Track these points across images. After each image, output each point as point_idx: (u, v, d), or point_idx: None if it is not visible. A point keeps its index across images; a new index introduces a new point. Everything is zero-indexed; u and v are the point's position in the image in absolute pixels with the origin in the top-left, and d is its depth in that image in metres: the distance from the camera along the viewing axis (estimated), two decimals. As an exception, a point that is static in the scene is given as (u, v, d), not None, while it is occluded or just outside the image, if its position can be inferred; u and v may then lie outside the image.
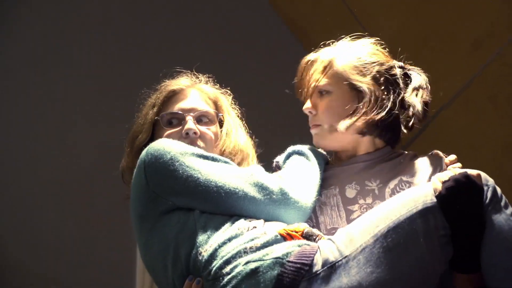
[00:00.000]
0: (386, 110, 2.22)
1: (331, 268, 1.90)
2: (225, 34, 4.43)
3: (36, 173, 4.16)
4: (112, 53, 4.29)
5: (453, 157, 2.21)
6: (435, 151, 2.29)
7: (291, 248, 1.96)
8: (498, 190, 2.02)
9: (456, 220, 1.95)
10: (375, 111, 2.21)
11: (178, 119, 2.31)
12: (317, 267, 1.91)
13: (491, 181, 2.02)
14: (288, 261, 1.92)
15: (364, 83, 2.22)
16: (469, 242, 1.96)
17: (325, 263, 1.91)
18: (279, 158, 2.32)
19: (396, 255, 1.91)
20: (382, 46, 2.34)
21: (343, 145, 2.28)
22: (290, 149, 2.31)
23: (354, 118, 2.21)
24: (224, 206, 2.06)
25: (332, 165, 2.32)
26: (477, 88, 3.86)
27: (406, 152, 2.33)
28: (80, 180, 4.17)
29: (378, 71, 2.25)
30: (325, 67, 2.27)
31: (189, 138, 2.26)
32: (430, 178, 2.17)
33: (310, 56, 2.32)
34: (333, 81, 2.25)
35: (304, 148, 2.30)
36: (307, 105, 2.28)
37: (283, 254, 1.94)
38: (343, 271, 1.90)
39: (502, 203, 2.00)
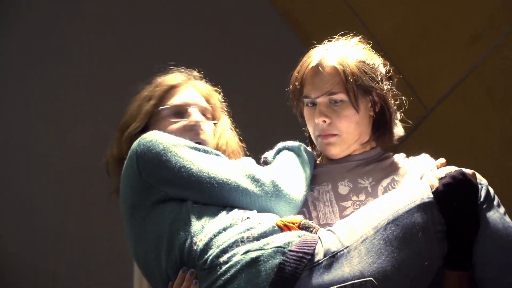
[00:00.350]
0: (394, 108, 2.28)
1: (333, 257, 1.92)
2: (222, 29, 4.43)
3: (35, 170, 4.17)
4: (112, 52, 4.29)
5: (442, 160, 2.23)
6: (424, 153, 2.31)
7: (292, 238, 1.97)
8: (491, 190, 2.05)
9: (452, 217, 1.97)
10: (391, 112, 2.26)
11: (181, 112, 2.32)
12: (319, 256, 1.93)
13: (484, 181, 2.05)
14: (290, 250, 1.93)
15: (377, 88, 2.24)
16: (463, 239, 1.99)
17: (327, 252, 1.93)
18: (268, 154, 2.33)
19: (396, 247, 1.93)
20: (368, 42, 2.35)
21: (349, 152, 2.29)
22: (280, 145, 2.32)
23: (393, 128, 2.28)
24: (217, 197, 2.08)
25: (323, 162, 2.33)
26: (474, 81, 3.87)
27: (396, 154, 2.35)
28: (80, 177, 4.18)
29: (380, 73, 2.27)
30: (332, 75, 2.23)
31: (194, 130, 2.28)
32: (421, 178, 2.19)
33: (310, 63, 2.27)
34: (345, 89, 2.22)
35: (294, 144, 2.31)
36: (322, 116, 2.23)
37: (284, 243, 1.95)
38: (345, 260, 1.91)
39: (495, 203, 2.04)
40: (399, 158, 2.32)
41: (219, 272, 1.95)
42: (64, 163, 4.18)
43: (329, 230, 2.01)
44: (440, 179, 1.99)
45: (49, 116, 4.22)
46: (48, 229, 4.15)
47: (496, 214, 2.01)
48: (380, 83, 2.25)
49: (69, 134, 4.23)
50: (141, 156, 2.10)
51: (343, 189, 2.22)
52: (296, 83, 2.28)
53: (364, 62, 2.25)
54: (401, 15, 3.94)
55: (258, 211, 2.09)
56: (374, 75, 2.24)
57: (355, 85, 2.21)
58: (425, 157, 2.29)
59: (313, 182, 2.24)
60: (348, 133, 2.24)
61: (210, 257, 1.98)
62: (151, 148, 2.10)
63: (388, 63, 2.34)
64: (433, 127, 3.90)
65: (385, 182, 2.23)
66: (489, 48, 3.81)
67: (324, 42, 2.34)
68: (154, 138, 2.12)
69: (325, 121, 2.23)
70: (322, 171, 2.28)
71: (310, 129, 2.29)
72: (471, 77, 3.87)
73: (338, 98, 2.22)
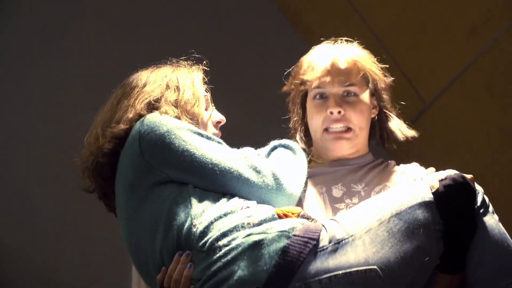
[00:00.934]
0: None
1: (338, 244, 1.93)
2: (220, 22, 4.42)
3: (35, 170, 4.18)
4: (113, 51, 4.29)
5: (432, 169, 2.26)
6: (414, 162, 2.35)
7: (295, 224, 1.97)
8: (486, 198, 2.08)
9: (451, 218, 2.00)
10: (390, 116, 2.36)
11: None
12: (324, 242, 1.93)
13: (480, 188, 2.08)
14: (294, 235, 1.93)
15: (383, 90, 2.33)
16: (460, 241, 2.01)
17: (331, 239, 1.93)
18: (261, 151, 2.33)
19: (399, 239, 1.94)
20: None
21: (353, 151, 2.33)
22: (275, 142, 2.32)
23: (403, 124, 2.37)
24: (218, 184, 2.07)
25: (315, 165, 2.35)
26: (473, 75, 3.87)
27: (387, 161, 2.38)
28: (79, 172, 4.17)
29: (381, 77, 2.35)
30: (349, 67, 2.29)
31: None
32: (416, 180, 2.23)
33: (323, 55, 2.31)
34: (360, 84, 2.29)
35: (289, 142, 2.32)
36: (337, 106, 2.27)
37: (289, 228, 1.95)
38: (350, 247, 1.92)
39: (490, 209, 2.08)
40: (391, 165, 2.36)
41: (218, 255, 1.94)
42: (63, 154, 4.16)
43: (332, 219, 2.03)
44: (441, 180, 2.02)
45: (49, 116, 4.23)
46: (48, 227, 4.15)
47: (492, 220, 2.05)
48: (384, 86, 2.33)
49: (69, 134, 4.22)
50: (144, 136, 2.09)
51: (336, 192, 2.25)
52: (304, 76, 2.31)
53: (375, 63, 2.34)
54: (400, 9, 3.94)
55: (257, 202, 2.08)
56: (379, 78, 2.33)
57: (367, 82, 2.29)
58: (415, 166, 2.33)
59: (307, 183, 2.25)
60: (361, 128, 2.29)
61: (210, 240, 1.97)
62: (155, 129, 2.09)
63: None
64: (431, 121, 3.90)
65: (377, 188, 2.26)
66: (487, 42, 3.81)
67: (325, 42, 2.39)
68: (158, 119, 2.11)
69: (340, 112, 2.26)
70: (315, 173, 2.30)
71: (316, 122, 2.31)
72: (470, 71, 3.87)
73: (353, 90, 2.28)
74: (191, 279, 1.98)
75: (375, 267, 1.89)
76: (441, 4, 3.86)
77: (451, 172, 2.05)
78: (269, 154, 2.29)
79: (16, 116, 4.23)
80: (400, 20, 3.92)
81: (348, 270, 1.89)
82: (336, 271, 1.88)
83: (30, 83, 4.24)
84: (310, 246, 1.91)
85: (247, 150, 2.21)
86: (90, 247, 4.15)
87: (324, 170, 2.30)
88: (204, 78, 2.36)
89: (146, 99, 2.22)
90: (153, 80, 2.28)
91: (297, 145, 2.32)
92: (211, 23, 4.40)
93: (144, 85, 2.27)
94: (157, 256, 2.05)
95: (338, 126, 2.28)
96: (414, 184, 2.07)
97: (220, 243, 1.95)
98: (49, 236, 4.15)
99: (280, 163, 2.19)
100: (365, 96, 2.30)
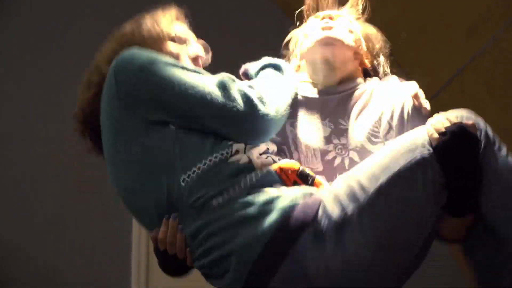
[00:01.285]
0: None
1: (336, 232, 1.92)
2: (213, 13, 4.43)
3: (34, 165, 4.18)
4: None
5: (415, 86, 2.33)
6: (393, 76, 2.40)
7: (295, 200, 1.94)
8: (490, 133, 2.03)
9: (452, 173, 1.96)
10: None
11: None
12: (322, 224, 1.93)
13: (482, 125, 2.03)
14: (293, 208, 1.92)
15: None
16: (465, 188, 1.98)
17: (328, 225, 1.93)
18: (250, 66, 2.30)
19: (397, 204, 1.94)
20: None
21: (336, 77, 2.33)
22: (266, 60, 2.27)
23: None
24: (195, 120, 2.03)
25: (304, 94, 2.32)
26: (472, 73, 3.87)
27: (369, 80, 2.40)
28: (80, 174, 4.18)
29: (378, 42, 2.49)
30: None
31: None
32: (399, 108, 2.26)
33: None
34: (357, 32, 2.39)
35: (281, 62, 2.27)
36: (328, 22, 2.34)
37: (289, 205, 1.93)
38: (347, 234, 1.92)
39: (496, 147, 2.01)
40: (372, 83, 2.35)
41: (217, 215, 1.94)
42: (60, 149, 4.18)
43: (330, 189, 2.01)
44: (440, 134, 1.98)
45: (49, 116, 4.23)
46: (48, 227, 4.16)
47: (499, 159, 2.00)
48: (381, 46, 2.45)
49: (69, 134, 4.22)
50: (119, 74, 2.05)
51: (325, 130, 2.23)
52: (307, 12, 2.47)
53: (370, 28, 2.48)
54: (400, 9, 3.94)
55: (237, 132, 2.04)
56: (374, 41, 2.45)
57: (360, 22, 2.44)
58: (395, 81, 2.36)
59: (293, 115, 2.23)
60: (347, 46, 2.32)
61: (204, 196, 1.95)
62: (128, 66, 2.05)
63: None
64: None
65: (360, 119, 2.26)
66: (487, 41, 3.81)
67: None
68: (131, 55, 2.08)
69: (330, 27, 2.33)
70: (304, 104, 2.28)
71: (310, 40, 2.34)
72: (469, 70, 3.87)
73: (347, 20, 2.38)
74: (185, 240, 1.97)
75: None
76: (441, 3, 3.86)
77: (451, 117, 2.04)
78: (257, 73, 2.24)
79: (16, 116, 4.24)
80: (400, 19, 3.92)
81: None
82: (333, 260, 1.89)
83: (30, 83, 4.25)
84: (305, 227, 1.91)
85: (225, 76, 2.11)
86: (90, 247, 4.16)
87: (312, 100, 2.29)
88: (178, 17, 2.33)
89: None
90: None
91: (289, 65, 2.29)
92: (211, 23, 4.40)
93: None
94: (154, 203, 2.01)
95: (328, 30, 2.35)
96: (413, 137, 2.02)
97: (215, 202, 1.94)
98: (49, 236, 4.16)
99: (263, 86, 2.12)
100: (356, 32, 2.38)
